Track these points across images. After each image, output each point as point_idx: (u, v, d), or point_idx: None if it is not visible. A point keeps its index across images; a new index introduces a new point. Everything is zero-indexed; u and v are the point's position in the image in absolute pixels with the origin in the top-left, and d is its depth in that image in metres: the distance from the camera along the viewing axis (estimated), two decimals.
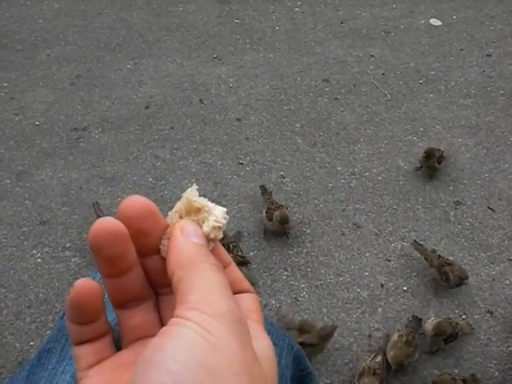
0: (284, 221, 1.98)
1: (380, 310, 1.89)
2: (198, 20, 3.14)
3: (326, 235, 2.11)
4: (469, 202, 2.27)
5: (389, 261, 2.04)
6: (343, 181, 2.31)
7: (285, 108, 2.62)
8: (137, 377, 0.33)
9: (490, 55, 3.05)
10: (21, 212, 2.14)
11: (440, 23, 3.26)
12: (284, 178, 2.28)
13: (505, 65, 2.93)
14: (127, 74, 2.77)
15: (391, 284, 1.96)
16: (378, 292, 1.95)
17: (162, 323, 0.43)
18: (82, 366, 0.41)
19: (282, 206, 2.05)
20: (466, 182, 2.35)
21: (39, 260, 2.00)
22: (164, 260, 0.41)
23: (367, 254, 2.06)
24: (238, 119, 2.55)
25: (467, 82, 2.85)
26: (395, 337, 1.74)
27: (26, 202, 2.17)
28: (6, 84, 2.66)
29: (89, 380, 0.40)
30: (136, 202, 0.39)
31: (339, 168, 2.36)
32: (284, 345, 0.69)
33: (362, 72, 2.85)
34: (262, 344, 0.38)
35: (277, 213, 1.99)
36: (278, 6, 3.29)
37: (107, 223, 0.38)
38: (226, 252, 0.44)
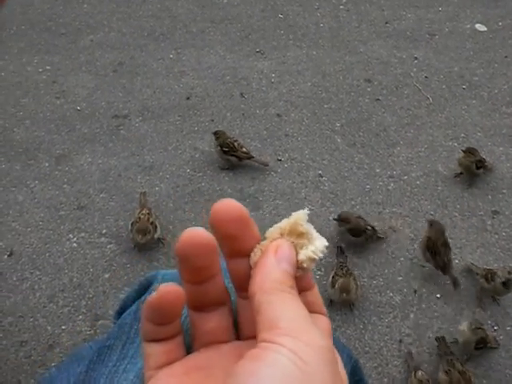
0: (344, 290, 1.83)
1: (412, 315, 1.88)
2: (242, 13, 3.13)
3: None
4: (507, 212, 2.24)
5: (424, 267, 2.03)
6: (381, 183, 2.29)
7: (325, 106, 2.60)
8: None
9: None
10: (59, 196, 2.16)
11: (485, 29, 3.21)
12: (322, 176, 2.28)
13: None
14: (169, 63, 2.78)
15: (424, 290, 1.95)
16: (410, 298, 1.94)
17: (238, 327, 0.44)
18: (151, 365, 0.41)
19: (351, 273, 1.90)
20: (505, 191, 2.32)
21: (75, 245, 2.02)
22: (250, 268, 0.41)
23: (402, 259, 2.05)
24: (279, 115, 2.54)
25: (511, 90, 2.80)
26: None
27: (65, 186, 2.19)
28: (48, 67, 2.68)
29: (158, 381, 0.40)
30: (230, 206, 0.39)
31: (377, 170, 2.34)
32: (344, 356, 0.68)
33: (404, 74, 2.83)
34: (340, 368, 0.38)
35: (340, 281, 1.85)
36: (323, 3, 3.27)
37: (198, 234, 0.38)
38: (311, 276, 0.43)
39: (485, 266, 1.98)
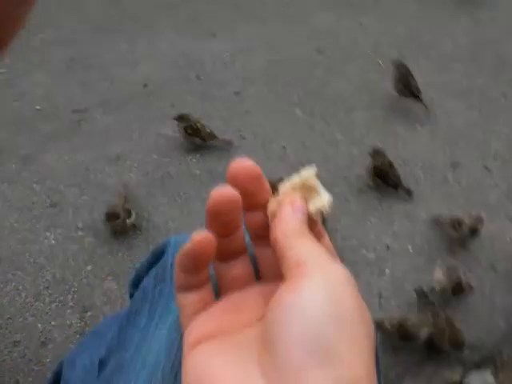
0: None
1: (387, 270, 1.96)
2: None
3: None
4: (465, 163, 2.34)
5: (393, 224, 2.11)
6: (344, 148, 2.37)
7: (281, 80, 2.66)
8: (275, 321, 0.39)
9: (479, 20, 3.11)
10: (30, 196, 2.17)
11: None
12: (285, 148, 2.33)
13: (493, 29, 2.99)
14: (122, 54, 2.79)
15: (396, 245, 2.03)
16: (383, 254, 2.02)
17: (259, 270, 0.50)
18: (187, 313, 0.47)
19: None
20: (461, 143, 2.42)
21: (53, 242, 2.04)
22: (266, 216, 0.47)
23: (372, 219, 2.13)
24: (237, 93, 2.59)
25: (457, 47, 2.91)
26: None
27: (34, 185, 2.21)
28: (2, 70, 2.67)
29: (198, 325, 0.46)
30: (244, 165, 0.45)
31: (339, 137, 2.41)
32: None
33: (354, 41, 2.90)
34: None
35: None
36: None
37: (228, 193, 0.43)
38: (321, 227, 0.50)
39: (451, 216, 2.08)
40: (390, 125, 2.47)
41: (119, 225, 2.00)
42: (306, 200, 0.48)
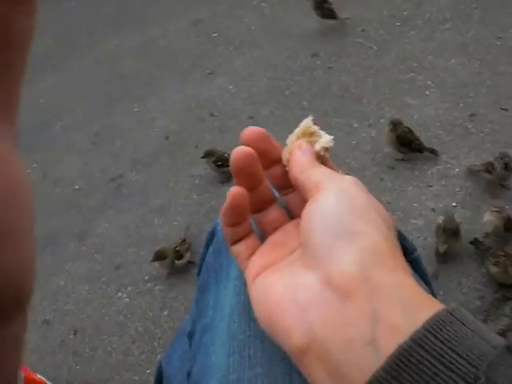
0: None
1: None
2: (181, 48, 3.32)
3: (367, 185, 2.17)
4: (482, 111, 2.40)
5: (431, 186, 2.18)
6: (364, 134, 2.45)
7: (287, 92, 2.77)
8: (305, 227, 0.49)
9: None
10: (94, 266, 2.31)
11: None
12: None
13: None
14: (138, 116, 2.95)
15: (440, 205, 2.09)
16: (432, 217, 2.08)
17: (291, 214, 0.59)
18: (242, 258, 0.56)
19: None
20: (472, 94, 2.48)
21: (127, 300, 2.16)
22: (283, 167, 0.57)
23: (410, 188, 2.20)
24: (251, 117, 2.71)
25: (440, 9, 2.99)
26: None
27: (95, 255, 2.34)
28: (34, 165, 2.84)
29: (253, 263, 0.55)
30: (252, 131, 0.55)
31: (356, 125, 2.50)
32: None
33: (343, 35, 3.01)
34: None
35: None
36: (246, 9, 3.47)
37: (244, 150, 0.53)
38: (333, 164, 0.59)
39: (482, 162, 2.14)
40: (400, 99, 2.55)
41: (167, 265, 2.12)
42: (311, 143, 0.58)
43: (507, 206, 2.04)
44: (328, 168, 0.54)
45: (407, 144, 2.23)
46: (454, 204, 2.11)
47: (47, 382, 1.84)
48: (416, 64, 2.70)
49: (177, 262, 2.13)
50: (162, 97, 3.02)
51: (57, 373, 1.99)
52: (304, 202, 0.53)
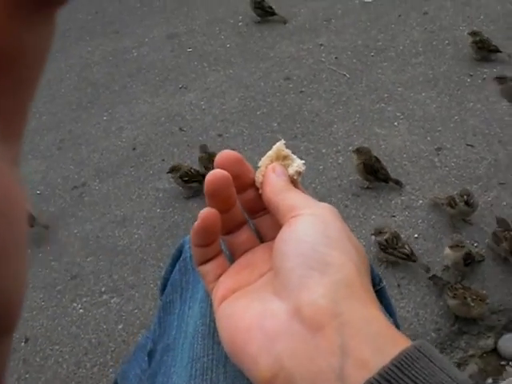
0: None
1: (400, 260, 2.03)
2: (154, 59, 3.30)
3: None
4: (448, 146, 2.44)
5: (394, 216, 2.21)
6: (331, 160, 2.47)
7: (258, 113, 2.78)
8: (277, 254, 0.48)
9: (427, 12, 3.26)
10: (50, 274, 2.26)
11: None
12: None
13: (442, 17, 3.14)
14: (106, 124, 2.92)
15: (402, 235, 2.10)
16: None
17: (261, 237, 0.59)
18: (210, 280, 0.55)
19: None
20: (439, 128, 2.53)
21: (81, 310, 2.12)
22: (257, 190, 0.56)
23: (373, 217, 2.22)
24: (220, 135, 2.71)
25: (413, 43, 3.05)
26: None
27: (52, 263, 2.30)
28: None
29: (221, 285, 0.54)
30: (227, 155, 0.54)
31: (324, 150, 2.52)
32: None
33: (316, 62, 3.03)
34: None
35: None
36: (223, 26, 3.47)
37: (219, 174, 0.51)
38: (302, 187, 0.58)
39: (446, 195, 2.17)
40: (369, 128, 2.58)
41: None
42: (285, 167, 0.58)
43: (468, 241, 2.07)
44: (302, 193, 0.54)
45: (373, 172, 2.25)
46: (416, 235, 2.14)
47: None
48: (387, 95, 2.74)
49: None
50: (131, 107, 2.99)
51: (6, 380, 1.94)
52: (275, 225, 0.53)
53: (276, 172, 0.55)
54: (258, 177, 0.57)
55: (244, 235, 0.58)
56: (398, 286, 1.99)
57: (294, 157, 0.59)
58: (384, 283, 0.81)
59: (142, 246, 2.29)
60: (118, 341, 2.01)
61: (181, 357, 0.67)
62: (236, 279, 0.54)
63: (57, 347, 2.03)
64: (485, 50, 2.80)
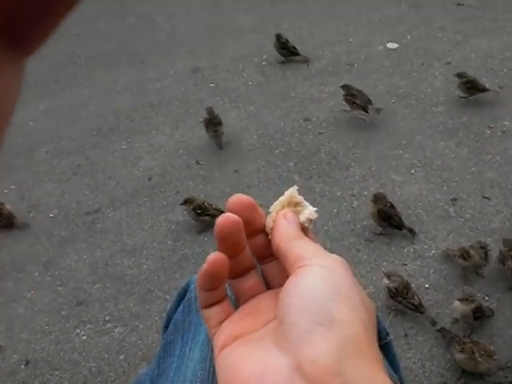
0: None
1: (409, 311, 2.00)
2: (176, 92, 3.34)
3: (342, 255, 2.18)
4: (464, 197, 2.43)
5: (405, 265, 2.18)
6: (345, 203, 2.46)
7: (276, 152, 2.79)
8: (283, 305, 0.47)
9: (450, 62, 3.28)
10: (56, 298, 2.26)
11: (397, 45, 3.50)
12: None
13: (464, 68, 3.13)
14: (124, 153, 2.94)
15: (413, 285, 2.08)
16: None
17: (268, 283, 0.57)
18: (212, 324, 0.54)
19: None
20: (457, 179, 2.51)
21: (84, 337, 2.11)
22: (267, 236, 0.55)
23: (384, 263, 2.20)
24: (236, 171, 2.71)
25: (435, 91, 3.05)
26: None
27: (59, 288, 2.29)
28: (13, 186, 2.80)
29: (223, 330, 0.53)
30: (240, 199, 0.53)
31: (339, 193, 2.52)
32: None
33: (337, 105, 3.04)
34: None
35: None
36: (247, 64, 3.51)
37: (231, 218, 0.51)
38: (312, 235, 0.57)
39: (459, 248, 2.15)
40: (386, 174, 2.57)
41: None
42: (296, 213, 0.57)
43: (479, 294, 2.04)
44: (312, 242, 0.53)
45: (387, 219, 2.24)
46: (426, 285, 2.11)
47: None
48: (405, 142, 2.74)
49: None
50: (150, 138, 3.01)
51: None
52: (282, 272, 0.52)
53: (287, 219, 0.55)
54: (269, 222, 0.56)
55: (251, 281, 0.57)
56: (406, 335, 1.96)
57: (307, 204, 0.58)
58: (391, 337, 0.79)
59: (150, 277, 2.28)
60: (119, 371, 1.99)
61: None
62: (239, 326, 0.53)
63: (57, 372, 2.01)
64: (473, 89, 2.85)
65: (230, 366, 0.48)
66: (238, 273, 0.56)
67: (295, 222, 0.54)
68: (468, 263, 2.08)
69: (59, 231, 2.54)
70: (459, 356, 1.82)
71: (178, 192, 2.64)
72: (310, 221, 0.56)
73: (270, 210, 0.57)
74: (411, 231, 2.28)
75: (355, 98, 2.86)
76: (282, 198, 0.58)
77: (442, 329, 1.93)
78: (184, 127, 3.06)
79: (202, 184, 2.67)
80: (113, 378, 1.97)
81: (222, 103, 3.20)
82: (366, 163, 2.66)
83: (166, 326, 0.83)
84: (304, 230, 0.55)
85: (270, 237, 0.55)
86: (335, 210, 2.44)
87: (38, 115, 3.30)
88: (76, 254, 2.42)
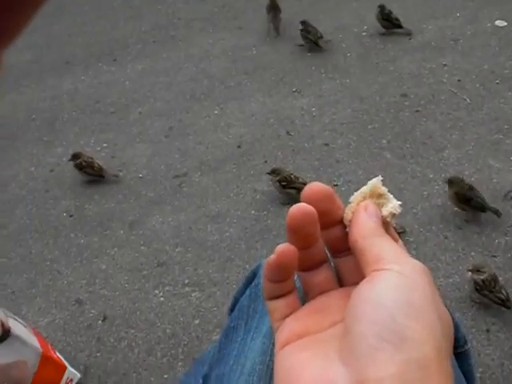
0: None
1: (494, 304, 1.91)
2: (273, 59, 3.29)
3: (430, 241, 2.17)
4: None
5: (495, 256, 2.08)
6: (437, 187, 2.37)
7: (369, 127, 2.71)
8: (352, 312, 0.43)
9: None
10: (138, 258, 2.30)
11: (505, 23, 3.30)
12: None
13: None
14: (215, 119, 2.94)
15: (500, 278, 1.97)
16: None
17: (340, 279, 0.53)
18: (277, 317, 0.51)
19: None
20: None
21: (162, 299, 2.14)
22: (344, 228, 0.51)
23: (473, 253, 2.10)
24: (326, 144, 2.66)
25: None
26: None
27: (142, 248, 2.33)
28: (105, 145, 2.87)
29: (287, 326, 0.49)
30: (316, 187, 0.49)
31: (431, 175, 2.42)
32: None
33: (437, 82, 2.92)
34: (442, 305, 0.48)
35: None
36: (346, 34, 3.41)
37: (304, 208, 0.47)
38: (394, 231, 0.53)
39: None
40: (483, 158, 2.45)
41: None
42: (379, 206, 0.52)
43: None
44: (393, 241, 0.49)
45: (467, 201, 2.17)
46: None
47: (64, 361, 1.83)
48: (507, 126, 2.59)
49: None
50: (243, 105, 2.99)
51: (76, 355, 1.99)
52: (357, 269, 0.48)
53: (368, 211, 0.50)
54: (348, 213, 0.51)
55: (322, 275, 0.53)
56: (487, 331, 1.87)
57: (391, 196, 0.52)
58: (469, 345, 0.74)
59: (231, 245, 2.28)
60: (192, 336, 2.01)
61: None
62: (304, 323, 0.49)
63: (132, 331, 2.05)
64: None
65: (289, 370, 0.45)
66: (308, 266, 0.52)
67: (377, 215, 0.50)
68: None
69: (147, 192, 2.58)
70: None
71: (265, 162, 2.62)
72: (393, 215, 0.51)
73: (350, 200, 0.52)
74: (496, 212, 2.17)
75: (308, 33, 3.18)
76: (364, 188, 0.53)
77: None
78: (277, 96, 3.02)
79: (291, 155, 2.64)
80: (186, 342, 1.99)
81: (317, 73, 3.13)
82: (462, 146, 2.54)
83: (232, 309, 0.81)
84: (385, 224, 0.50)
85: (347, 229, 0.51)
86: (426, 193, 2.35)
87: (134, 75, 3.35)
88: (161, 216, 2.45)
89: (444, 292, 1.98)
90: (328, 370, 0.42)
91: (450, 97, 2.81)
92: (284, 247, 0.47)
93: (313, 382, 0.42)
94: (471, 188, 2.18)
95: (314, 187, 0.49)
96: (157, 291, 2.17)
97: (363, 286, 0.44)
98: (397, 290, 0.42)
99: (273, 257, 0.47)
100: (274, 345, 0.50)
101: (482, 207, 2.17)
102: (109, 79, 3.35)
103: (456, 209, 2.24)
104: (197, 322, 2.05)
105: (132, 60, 3.45)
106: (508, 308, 1.87)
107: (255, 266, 0.80)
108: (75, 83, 3.36)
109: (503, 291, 1.89)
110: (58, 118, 3.12)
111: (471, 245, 2.13)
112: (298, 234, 0.48)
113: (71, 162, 2.61)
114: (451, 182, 2.19)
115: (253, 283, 0.76)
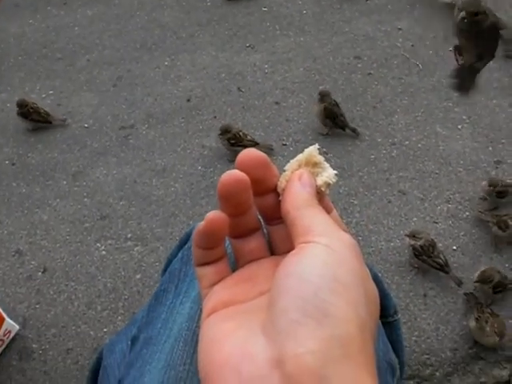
0: None
1: (432, 269, 1.95)
2: (227, 12, 3.22)
3: (374, 204, 2.19)
4: (509, 161, 2.32)
5: (436, 223, 2.11)
6: (384, 151, 2.38)
7: (320, 88, 2.68)
8: (277, 285, 0.42)
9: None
10: (81, 209, 2.26)
11: None
12: (327, 154, 2.36)
13: None
14: (166, 70, 2.87)
15: (440, 245, 2.02)
16: None
17: (272, 247, 0.53)
18: (205, 284, 0.50)
19: None
20: (504, 141, 2.40)
21: (103, 252, 2.11)
22: (277, 196, 0.50)
23: (415, 219, 2.14)
24: (277, 103, 2.64)
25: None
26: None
27: (85, 199, 2.29)
28: (51, 92, 2.78)
29: (214, 294, 0.49)
30: (251, 154, 0.48)
31: (379, 139, 2.43)
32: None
33: (391, 46, 2.91)
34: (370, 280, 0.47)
35: None
36: None
37: (236, 175, 0.46)
38: (329, 200, 0.52)
39: (494, 213, 2.07)
40: (431, 125, 2.47)
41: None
42: (313, 174, 0.51)
43: (506, 265, 1.98)
44: (326, 212, 0.48)
45: (332, 118, 2.35)
46: (454, 247, 2.05)
47: (3, 313, 1.80)
48: (456, 94, 2.60)
49: None
50: (194, 57, 2.93)
51: (15, 306, 1.96)
52: (290, 238, 0.47)
53: (302, 180, 0.49)
54: (282, 182, 0.50)
55: (254, 243, 0.52)
56: (425, 295, 1.91)
57: (327, 165, 0.51)
58: (399, 316, 0.74)
59: (176, 201, 2.25)
60: (133, 290, 1.99)
61: (158, 356, 0.62)
62: (231, 292, 0.49)
63: (72, 284, 2.03)
64: None
65: (212, 340, 0.44)
66: (240, 233, 0.51)
67: (310, 185, 0.49)
68: (504, 234, 2.00)
69: (92, 142, 2.52)
70: (472, 323, 1.78)
71: (215, 117, 2.58)
72: (328, 185, 0.50)
73: (285, 168, 0.51)
74: (354, 131, 2.39)
75: None
76: (299, 156, 0.52)
77: (470, 294, 1.87)
78: (230, 50, 2.97)
79: (241, 112, 2.61)
80: (126, 296, 1.98)
81: (271, 29, 3.08)
82: (412, 112, 2.55)
83: (165, 271, 0.80)
84: (320, 194, 0.50)
85: (280, 198, 0.50)
86: (373, 157, 2.36)
87: (84, 21, 3.23)
88: (106, 168, 2.40)
89: (385, 256, 2.01)
90: (249, 343, 0.41)
91: (402, 61, 2.81)
92: (214, 214, 0.46)
93: (233, 355, 0.41)
94: (337, 105, 2.37)
95: (249, 153, 0.48)
96: (99, 244, 2.14)
97: (290, 259, 0.44)
98: (323, 264, 0.42)
99: (202, 223, 0.47)
100: (201, 311, 0.49)
101: (343, 126, 2.37)
102: (57, 24, 3.23)
103: (401, 174, 2.27)
104: (138, 276, 2.03)
105: (83, 5, 3.32)
106: (446, 273, 1.91)
107: (189, 228, 0.78)
108: (23, 26, 3.23)
109: (441, 256, 1.93)
110: (3, 62, 2.99)
111: (414, 210, 2.16)
112: (230, 202, 0.47)
113: (15, 109, 2.52)
114: (322, 96, 2.36)
115: (186, 246, 0.75)
